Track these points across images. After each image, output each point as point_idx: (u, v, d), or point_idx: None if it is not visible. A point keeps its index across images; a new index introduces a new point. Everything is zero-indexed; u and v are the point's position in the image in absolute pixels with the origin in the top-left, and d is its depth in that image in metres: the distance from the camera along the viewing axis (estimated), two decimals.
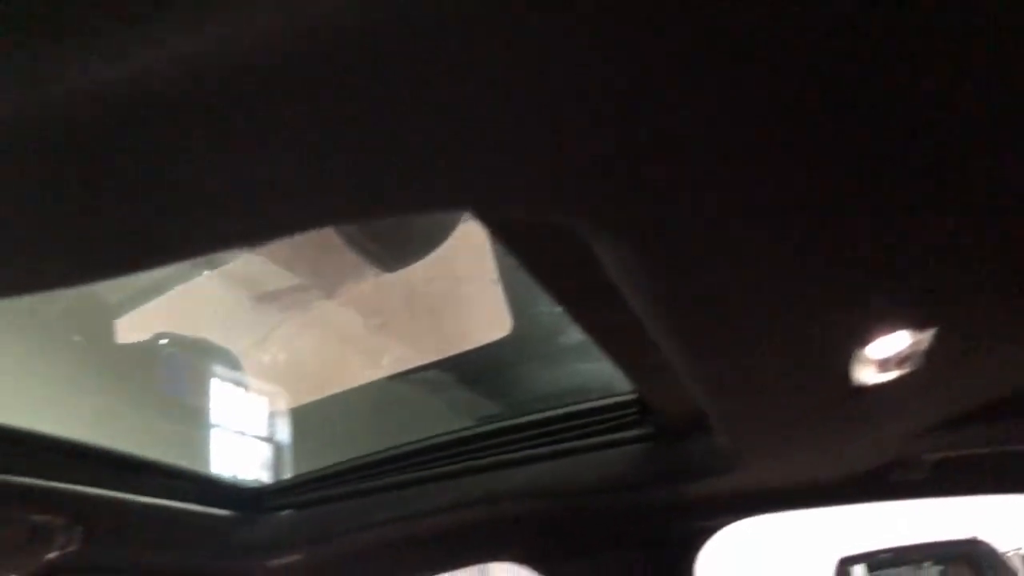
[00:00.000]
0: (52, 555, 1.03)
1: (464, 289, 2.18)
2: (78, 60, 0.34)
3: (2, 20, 0.33)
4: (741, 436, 0.94)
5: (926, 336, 0.65)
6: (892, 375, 0.71)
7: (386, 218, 0.60)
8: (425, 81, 0.38)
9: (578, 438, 1.21)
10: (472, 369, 2.26)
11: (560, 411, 1.24)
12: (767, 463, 1.06)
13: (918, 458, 1.11)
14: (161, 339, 2.99)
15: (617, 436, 1.18)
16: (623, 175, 0.45)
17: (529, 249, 0.61)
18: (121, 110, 0.37)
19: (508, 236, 0.59)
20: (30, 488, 0.97)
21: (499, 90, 0.39)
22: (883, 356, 0.66)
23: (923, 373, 0.71)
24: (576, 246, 0.55)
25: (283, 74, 0.36)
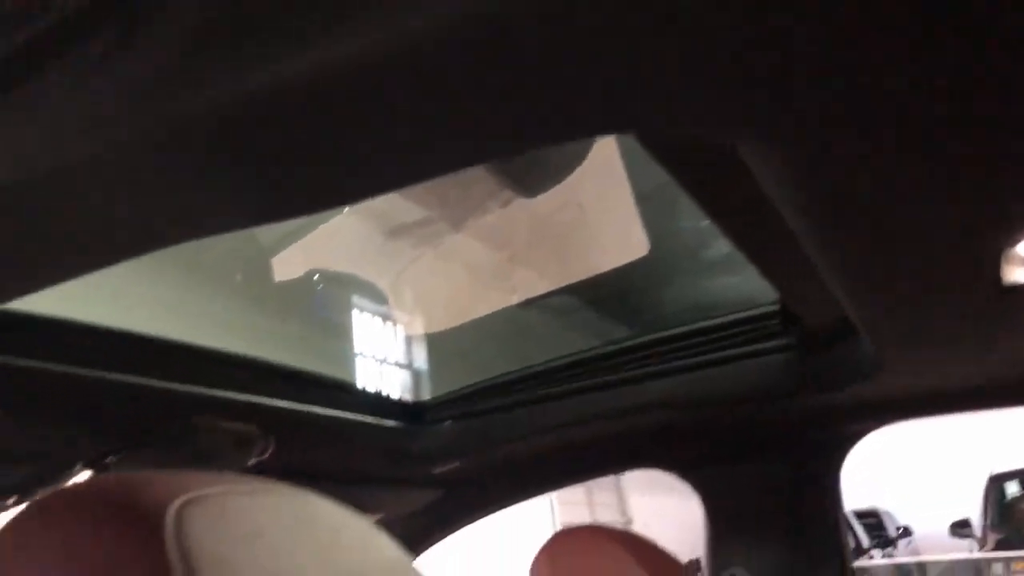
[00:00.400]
0: (251, 461, 1.17)
1: (596, 213, 2.22)
2: (282, 54, 0.43)
3: (228, 22, 0.41)
4: (887, 341, 0.97)
5: None
6: None
7: (550, 145, 0.66)
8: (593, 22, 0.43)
9: (722, 349, 1.25)
10: (605, 292, 2.30)
11: (705, 324, 1.28)
12: (912, 368, 1.08)
13: None
14: (311, 274, 3.18)
15: (760, 347, 1.22)
16: (782, 90, 0.49)
17: (686, 166, 0.66)
18: (307, 91, 0.46)
19: (667, 155, 0.64)
20: (233, 402, 1.10)
21: (666, 14, 0.43)
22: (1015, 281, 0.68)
23: None
24: (730, 161, 0.59)
25: (445, 61, 0.43)
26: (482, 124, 0.52)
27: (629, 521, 9.12)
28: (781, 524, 1.40)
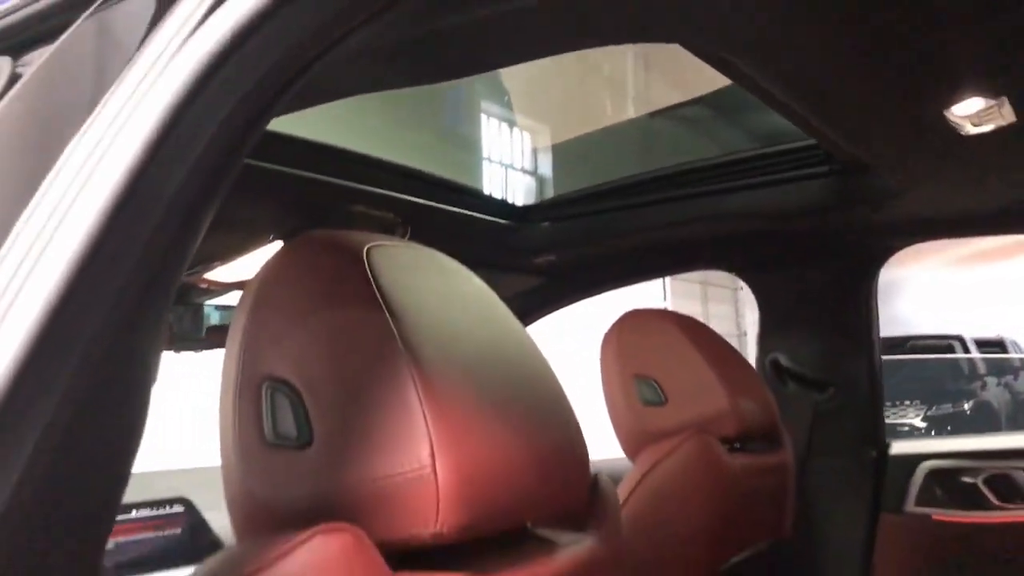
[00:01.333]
0: None
1: None
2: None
3: None
4: (892, 176, 1.20)
5: (999, 102, 0.88)
6: (988, 128, 0.95)
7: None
8: None
9: (779, 171, 1.50)
10: (731, 104, 2.37)
11: (764, 150, 1.53)
12: (926, 195, 1.31)
13: None
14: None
15: (810, 171, 1.46)
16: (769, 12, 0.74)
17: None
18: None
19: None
20: (382, 196, 1.44)
21: None
22: (966, 113, 0.90)
23: (1015, 128, 0.94)
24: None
25: None
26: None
27: (743, 334, 9.46)
28: (818, 321, 1.68)
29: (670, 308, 9.14)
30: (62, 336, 0.43)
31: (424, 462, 0.59)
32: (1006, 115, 0.92)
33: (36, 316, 0.43)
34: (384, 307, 0.63)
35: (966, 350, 10.90)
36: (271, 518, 0.61)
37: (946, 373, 10.51)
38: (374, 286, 0.65)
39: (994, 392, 10.21)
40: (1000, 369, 10.97)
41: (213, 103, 0.50)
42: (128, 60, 0.51)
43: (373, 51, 0.86)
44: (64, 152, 0.47)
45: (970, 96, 0.87)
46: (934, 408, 9.36)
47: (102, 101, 0.49)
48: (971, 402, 9.64)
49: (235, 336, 0.68)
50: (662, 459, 1.32)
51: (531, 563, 0.69)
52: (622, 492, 1.33)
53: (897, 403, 9.64)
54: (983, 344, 11.31)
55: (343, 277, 0.66)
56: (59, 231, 0.44)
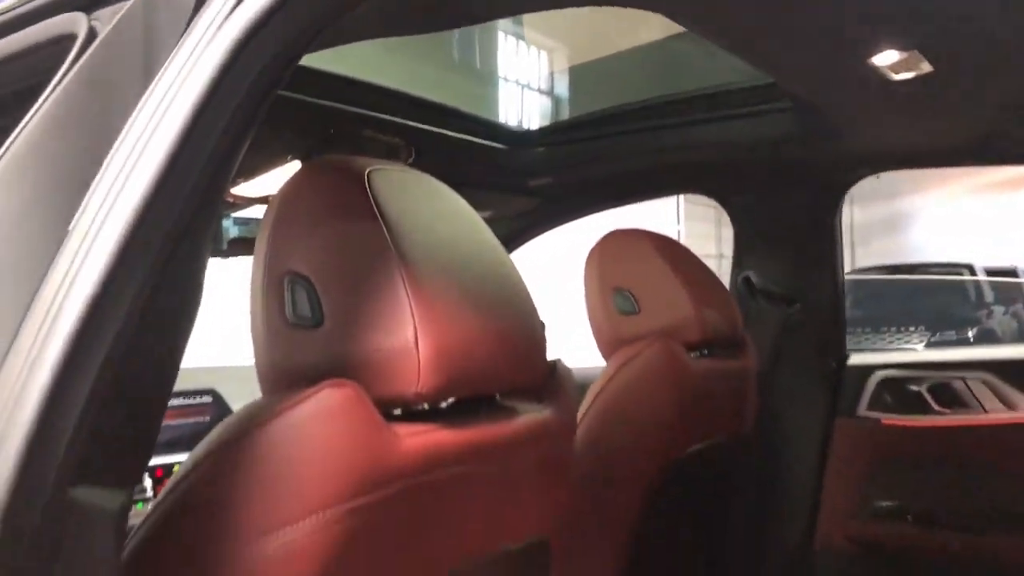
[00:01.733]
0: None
1: None
2: None
3: None
4: (844, 110, 1.35)
5: (912, 55, 1.02)
6: (911, 75, 1.10)
7: None
8: None
9: (749, 105, 1.65)
10: None
11: (740, 85, 1.67)
12: (872, 132, 1.46)
13: (1008, 132, 1.45)
14: None
15: (774, 105, 1.61)
16: None
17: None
18: None
19: None
20: (388, 122, 1.60)
21: None
22: (886, 64, 1.05)
23: (935, 76, 1.09)
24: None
25: None
26: None
27: None
28: (787, 243, 1.84)
29: (683, 230, 9.28)
30: (137, 249, 0.61)
31: (409, 339, 0.77)
32: (923, 66, 1.06)
33: (120, 233, 0.60)
34: (380, 219, 0.80)
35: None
36: (291, 381, 0.80)
37: (952, 300, 10.63)
38: (373, 203, 0.82)
39: (1000, 320, 10.33)
40: (1009, 298, 11.07)
41: (254, 57, 0.67)
42: (186, 22, 0.68)
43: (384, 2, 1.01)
44: (144, 93, 0.64)
45: (886, 48, 1.01)
46: (937, 335, 9.52)
47: (168, 57, 0.66)
48: (975, 330, 9.78)
49: (262, 241, 0.85)
50: (630, 359, 1.50)
51: (496, 424, 0.88)
52: (595, 387, 1.52)
53: (901, 329, 9.81)
54: (995, 272, 11.38)
55: (348, 195, 0.83)
56: (140, 160, 0.61)
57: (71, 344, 0.56)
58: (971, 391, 1.77)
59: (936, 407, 1.79)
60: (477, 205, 1.96)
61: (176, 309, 0.65)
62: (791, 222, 1.85)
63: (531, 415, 0.92)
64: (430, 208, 0.91)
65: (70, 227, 0.61)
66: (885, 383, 1.84)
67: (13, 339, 0.59)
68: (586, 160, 1.89)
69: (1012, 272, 11.63)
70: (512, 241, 2.05)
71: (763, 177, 1.82)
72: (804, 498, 1.87)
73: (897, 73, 1.07)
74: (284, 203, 0.86)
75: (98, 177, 0.63)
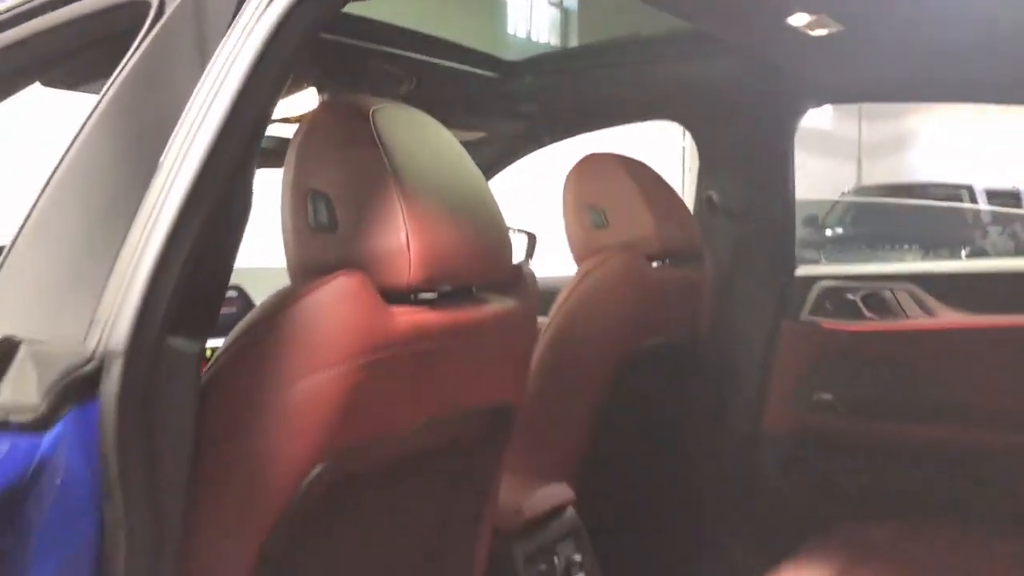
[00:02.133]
0: (402, 92, 1.91)
1: None
2: None
3: None
4: (790, 55, 1.57)
5: (820, 17, 1.24)
6: (825, 31, 1.32)
7: None
8: None
9: (708, 46, 1.87)
10: None
11: (695, 31, 1.89)
12: (815, 73, 1.68)
13: (933, 74, 1.67)
14: None
15: (729, 48, 1.83)
16: None
17: None
18: None
19: None
20: (392, 55, 1.82)
21: None
22: (800, 24, 1.27)
23: (847, 33, 1.31)
24: None
25: None
26: None
27: None
28: (745, 165, 2.08)
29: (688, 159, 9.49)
30: (209, 172, 0.86)
31: (402, 242, 1.02)
32: (834, 25, 1.27)
33: (196, 163, 0.85)
34: (381, 149, 1.05)
35: (973, 200, 11.14)
36: (313, 272, 1.06)
37: (948, 221, 10.83)
38: (376, 136, 1.06)
39: (994, 241, 10.54)
40: (1007, 219, 11.24)
41: (297, 25, 0.91)
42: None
43: None
44: (215, 53, 0.89)
45: (796, 11, 1.22)
46: (931, 254, 9.76)
47: (232, 26, 0.90)
48: (967, 250, 10.01)
49: (289, 166, 1.10)
50: (597, 266, 1.77)
51: (470, 310, 1.14)
52: (567, 289, 1.79)
53: (896, 247, 10.04)
54: (996, 195, 11.51)
55: (356, 129, 1.07)
56: (210, 109, 0.86)
57: (167, 237, 0.83)
58: (897, 300, 2.04)
59: (867, 313, 2.05)
60: (472, 127, 2.22)
61: (235, 213, 0.91)
62: (748, 148, 2.08)
63: (499, 305, 1.19)
64: (422, 140, 1.15)
65: (160, 161, 0.86)
66: (826, 292, 2.11)
67: (126, 234, 0.85)
68: (570, 89, 2.12)
69: (1013, 194, 11.77)
70: (502, 160, 2.29)
71: (723, 108, 2.05)
72: (753, 391, 2.15)
73: (813, 31, 1.29)
74: (306, 136, 1.10)
75: (179, 122, 0.88)
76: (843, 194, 12.27)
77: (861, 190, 12.99)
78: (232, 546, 0.97)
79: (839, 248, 10.59)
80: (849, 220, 11.43)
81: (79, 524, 0.83)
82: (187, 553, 0.90)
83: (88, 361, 0.81)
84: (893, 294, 2.04)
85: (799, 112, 2.01)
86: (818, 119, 12.69)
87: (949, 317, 2.02)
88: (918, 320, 2.03)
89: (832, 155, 13.73)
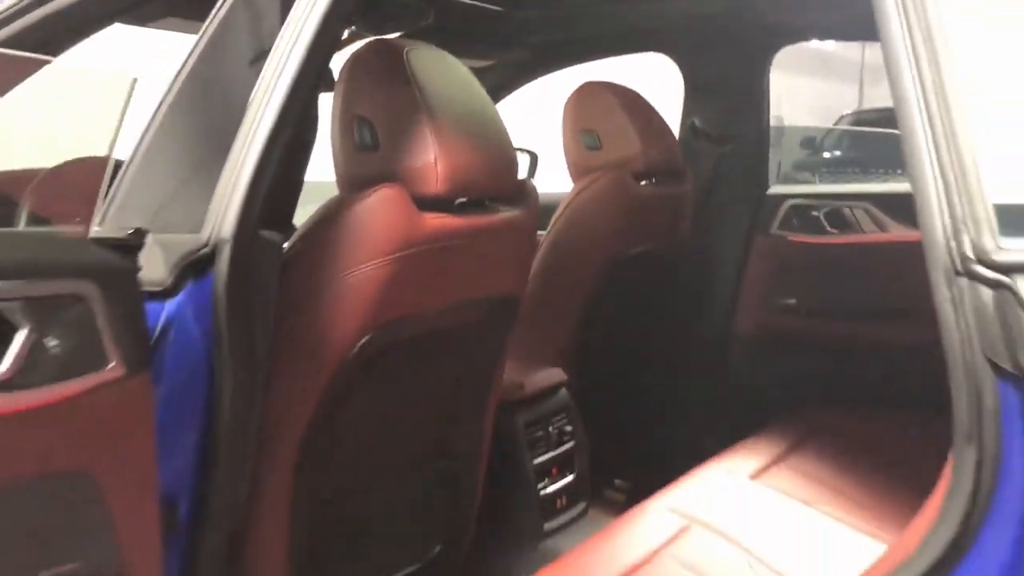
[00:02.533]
0: (421, 25, 2.14)
1: None
2: None
3: None
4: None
5: None
6: None
7: None
8: None
9: None
10: None
11: None
12: (789, 13, 1.92)
13: None
14: None
15: None
16: None
17: None
18: None
19: None
20: None
21: None
22: None
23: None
24: None
25: None
26: None
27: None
28: (725, 93, 2.34)
29: None
30: (290, 104, 1.12)
31: (431, 160, 1.29)
32: None
33: (280, 98, 1.12)
34: (414, 84, 1.31)
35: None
36: (359, 185, 1.32)
37: None
38: (409, 73, 1.31)
39: None
40: None
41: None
42: None
43: None
44: (283, 26, 1.15)
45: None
46: None
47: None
48: None
49: (338, 96, 1.36)
50: (589, 184, 2.04)
51: (484, 217, 1.42)
52: (564, 203, 2.06)
53: (889, 172, 10.22)
54: None
55: (393, 67, 1.33)
56: (290, 57, 1.13)
57: (261, 152, 1.11)
58: (855, 217, 2.31)
59: (829, 228, 2.33)
60: (482, 56, 2.46)
61: (306, 134, 1.19)
62: (728, 79, 2.33)
63: (507, 213, 1.46)
64: (444, 74, 1.41)
65: (250, 99, 1.13)
66: (793, 208, 2.38)
67: (229, 150, 1.12)
68: (570, 22, 2.35)
69: None
70: (508, 85, 2.53)
71: (707, 43, 2.29)
72: (726, 295, 2.44)
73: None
74: (351, 71, 1.36)
75: (268, 57, 1.14)
76: (842, 117, 12.38)
77: (857, 114, 13.08)
78: (301, 390, 1.27)
79: (834, 172, 10.77)
80: (846, 143, 11.57)
81: (196, 368, 1.13)
82: (269, 392, 1.20)
83: (204, 246, 1.10)
84: (852, 211, 2.31)
85: (774, 48, 2.25)
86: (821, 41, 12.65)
87: (897, 232, 2.29)
88: (871, 234, 2.31)
89: (834, 77, 13.78)
